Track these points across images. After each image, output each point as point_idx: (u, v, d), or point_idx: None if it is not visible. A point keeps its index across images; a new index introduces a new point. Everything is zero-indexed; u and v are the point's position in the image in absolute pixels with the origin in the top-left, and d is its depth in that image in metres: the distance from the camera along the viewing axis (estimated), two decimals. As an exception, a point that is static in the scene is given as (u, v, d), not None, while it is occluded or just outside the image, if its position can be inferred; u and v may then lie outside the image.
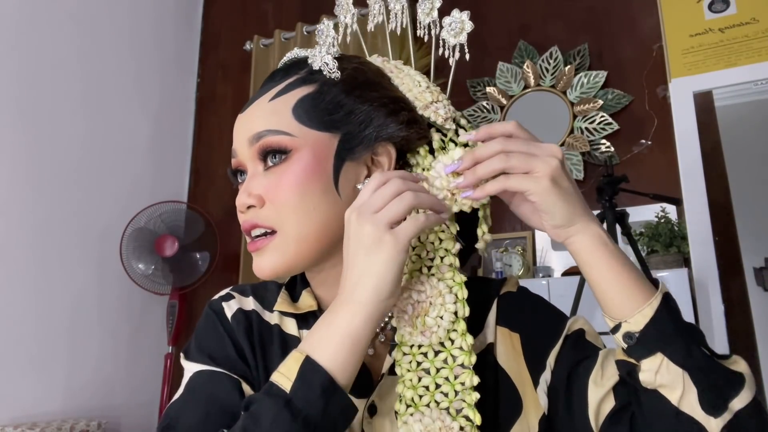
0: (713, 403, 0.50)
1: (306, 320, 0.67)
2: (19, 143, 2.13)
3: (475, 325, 0.65)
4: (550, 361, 0.61)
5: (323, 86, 0.62)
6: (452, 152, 0.58)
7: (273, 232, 0.59)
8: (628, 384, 0.56)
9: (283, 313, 0.67)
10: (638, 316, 0.53)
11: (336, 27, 0.73)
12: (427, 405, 0.56)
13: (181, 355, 0.65)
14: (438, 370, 0.57)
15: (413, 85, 0.65)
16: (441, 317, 0.57)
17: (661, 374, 0.52)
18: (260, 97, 0.63)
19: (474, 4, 2.64)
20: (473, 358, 0.57)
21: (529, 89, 2.37)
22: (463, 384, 0.56)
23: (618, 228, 1.75)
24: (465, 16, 0.64)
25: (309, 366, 0.51)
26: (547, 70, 2.35)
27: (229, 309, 0.67)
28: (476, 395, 0.56)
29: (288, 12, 2.90)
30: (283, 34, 2.75)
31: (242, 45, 2.86)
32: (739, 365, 0.53)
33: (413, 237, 0.53)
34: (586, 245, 0.56)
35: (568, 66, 2.30)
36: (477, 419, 0.55)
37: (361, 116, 0.61)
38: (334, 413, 0.50)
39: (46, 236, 2.19)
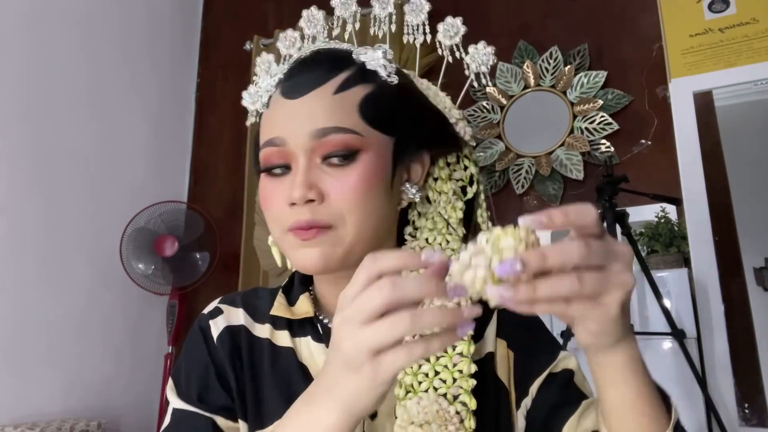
0: None
1: (302, 327, 0.66)
2: (20, 143, 2.13)
3: (474, 332, 0.65)
4: (533, 389, 0.62)
5: (382, 88, 0.61)
6: (501, 239, 0.41)
7: (328, 227, 0.58)
8: None
9: (277, 322, 0.67)
10: None
11: (327, 19, 0.73)
12: (426, 391, 0.57)
13: (170, 380, 0.65)
14: (438, 358, 0.58)
15: (439, 101, 0.68)
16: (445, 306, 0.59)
17: None
18: (317, 86, 0.59)
19: (474, 4, 2.64)
20: (472, 348, 0.59)
21: (529, 89, 2.37)
22: (461, 371, 0.57)
23: (618, 228, 1.75)
24: (490, 49, 0.69)
25: None
26: (547, 70, 2.35)
27: (216, 328, 0.66)
28: (473, 381, 0.57)
29: (288, 12, 2.90)
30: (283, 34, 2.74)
31: (242, 45, 2.86)
32: None
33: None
34: (619, 364, 0.49)
35: (568, 66, 2.30)
36: (472, 404, 0.56)
37: (416, 124, 0.62)
38: None
39: (46, 236, 2.19)
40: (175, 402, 0.63)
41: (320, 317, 0.67)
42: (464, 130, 0.67)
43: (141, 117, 2.68)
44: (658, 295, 1.74)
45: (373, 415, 0.61)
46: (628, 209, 1.83)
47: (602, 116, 2.22)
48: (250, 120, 0.71)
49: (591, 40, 2.33)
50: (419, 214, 0.66)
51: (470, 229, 0.68)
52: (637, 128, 2.19)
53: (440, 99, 0.68)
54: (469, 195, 0.68)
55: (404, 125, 0.62)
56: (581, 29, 2.36)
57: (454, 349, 0.59)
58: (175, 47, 2.95)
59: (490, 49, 0.68)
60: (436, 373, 0.58)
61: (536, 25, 2.44)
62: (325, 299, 0.68)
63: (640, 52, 2.24)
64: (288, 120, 0.59)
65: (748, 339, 2.02)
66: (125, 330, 2.46)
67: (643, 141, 2.18)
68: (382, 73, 0.61)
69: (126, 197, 2.51)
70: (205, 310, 0.69)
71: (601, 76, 2.25)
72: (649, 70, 2.22)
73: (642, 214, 2.08)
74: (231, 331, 0.66)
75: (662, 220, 2.01)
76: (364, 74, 0.61)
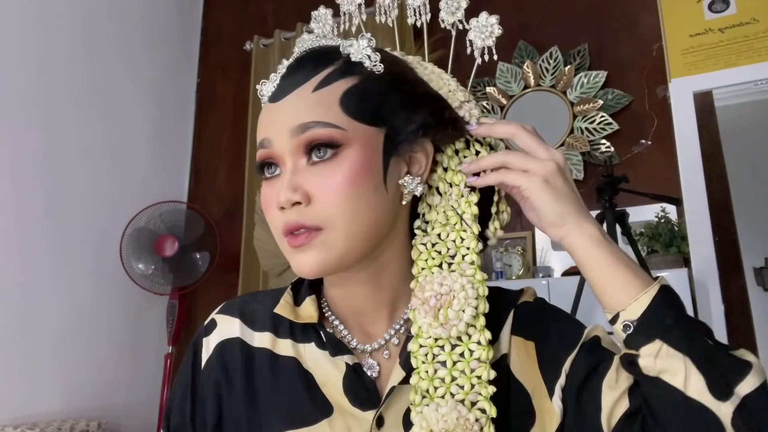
0: (718, 388, 0.49)
1: (306, 332, 0.65)
2: (21, 144, 2.13)
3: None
4: (566, 367, 0.60)
5: (367, 79, 0.59)
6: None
7: (318, 230, 0.56)
8: (641, 384, 0.54)
9: (280, 329, 0.65)
10: (635, 304, 0.54)
11: (336, 15, 0.72)
12: (443, 396, 0.56)
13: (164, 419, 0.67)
14: (454, 363, 0.57)
15: (443, 84, 0.64)
16: (463, 311, 0.57)
17: (661, 359, 0.51)
18: (298, 86, 0.59)
19: (474, 3, 2.64)
20: (490, 354, 0.57)
21: (529, 89, 2.37)
22: (479, 377, 0.56)
23: (618, 228, 1.75)
24: (494, 19, 0.65)
25: None
26: (547, 70, 2.35)
27: (207, 350, 0.66)
28: (492, 388, 0.56)
29: (288, 12, 2.90)
30: (283, 34, 2.75)
31: (242, 45, 2.86)
32: (747, 356, 0.52)
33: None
34: (580, 243, 0.57)
35: (568, 66, 2.30)
36: (492, 412, 0.55)
37: (407, 112, 0.59)
38: None
39: (47, 236, 2.19)
40: None
41: (331, 320, 0.65)
42: (469, 113, 0.63)
43: (141, 117, 2.68)
44: (658, 295, 1.74)
45: (380, 424, 0.59)
46: (628, 209, 1.83)
47: (602, 116, 2.22)
48: None
49: (591, 40, 2.33)
50: (429, 206, 0.63)
51: (488, 223, 0.65)
52: (637, 128, 2.19)
53: (444, 81, 0.65)
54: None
55: (394, 114, 0.59)
56: (581, 29, 2.36)
57: (471, 354, 0.57)
58: (175, 47, 2.95)
59: (494, 19, 0.64)
60: (453, 378, 0.56)
61: (536, 25, 2.44)
62: (333, 301, 0.66)
63: (640, 52, 2.24)
64: (271, 121, 0.59)
65: (748, 339, 2.02)
66: (125, 330, 2.46)
67: (643, 141, 2.18)
68: (367, 63, 0.59)
69: (126, 197, 2.51)
70: (206, 321, 0.68)
71: (601, 76, 2.25)
72: (649, 70, 2.22)
73: (642, 214, 2.08)
74: (223, 348, 0.65)
75: (662, 220, 2.01)
76: (349, 67, 0.59)
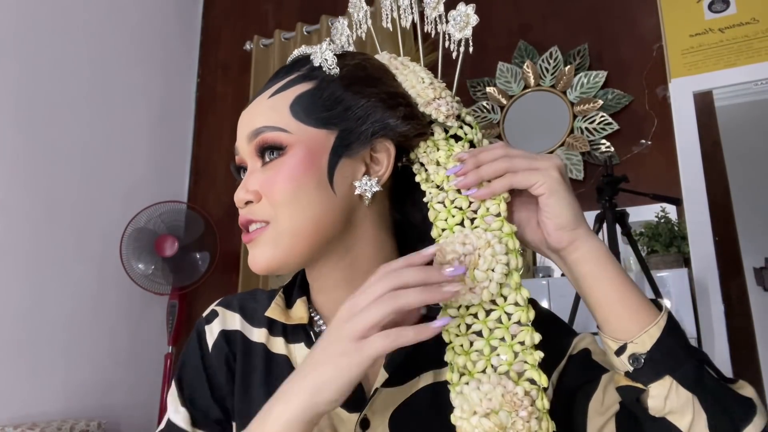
0: (724, 431, 0.48)
1: (296, 333, 0.65)
2: (20, 143, 2.13)
3: None
4: (553, 379, 0.59)
5: (322, 82, 0.61)
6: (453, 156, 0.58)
7: (266, 224, 0.59)
8: (630, 412, 0.53)
9: (273, 328, 0.66)
10: (644, 336, 0.49)
11: (350, 25, 0.73)
12: (483, 371, 0.50)
13: (173, 385, 0.66)
14: (491, 331, 0.51)
15: (416, 82, 0.63)
16: (492, 270, 0.51)
17: (671, 399, 0.48)
18: (261, 94, 0.63)
19: (474, 3, 2.64)
20: (531, 314, 0.52)
21: (529, 89, 2.37)
22: (522, 343, 0.50)
23: (618, 228, 1.75)
24: (470, 9, 0.64)
25: None
26: (547, 70, 2.35)
27: (211, 334, 0.67)
28: (540, 354, 0.51)
29: (288, 12, 2.90)
30: (283, 34, 2.74)
31: (242, 45, 2.86)
32: (747, 390, 0.50)
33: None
34: (591, 255, 0.52)
35: (568, 66, 2.30)
36: (543, 380, 0.50)
37: (359, 111, 0.60)
38: None
39: (47, 236, 2.19)
40: (170, 409, 0.65)
41: (316, 320, 0.66)
42: (437, 110, 0.60)
43: (141, 117, 2.68)
44: (658, 295, 1.74)
45: (366, 426, 0.59)
46: (628, 209, 1.83)
47: (602, 116, 2.22)
48: None
49: (591, 40, 2.33)
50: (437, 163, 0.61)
51: None
52: (637, 128, 2.19)
53: (418, 79, 0.63)
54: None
55: (347, 116, 0.60)
56: (581, 29, 2.36)
57: (509, 318, 0.51)
58: (175, 47, 2.95)
59: (470, 9, 0.64)
60: (493, 348, 0.51)
61: (536, 25, 2.44)
62: (318, 304, 0.67)
63: (640, 52, 2.24)
64: (238, 130, 0.63)
65: (748, 339, 2.02)
66: (125, 330, 2.46)
67: (643, 141, 2.18)
68: (324, 66, 0.61)
69: (126, 197, 2.51)
70: (204, 313, 0.70)
71: (601, 76, 2.25)
72: (649, 70, 2.21)
73: (642, 214, 2.08)
74: (227, 337, 0.66)
75: (662, 220, 2.01)
76: (311, 72, 0.61)
